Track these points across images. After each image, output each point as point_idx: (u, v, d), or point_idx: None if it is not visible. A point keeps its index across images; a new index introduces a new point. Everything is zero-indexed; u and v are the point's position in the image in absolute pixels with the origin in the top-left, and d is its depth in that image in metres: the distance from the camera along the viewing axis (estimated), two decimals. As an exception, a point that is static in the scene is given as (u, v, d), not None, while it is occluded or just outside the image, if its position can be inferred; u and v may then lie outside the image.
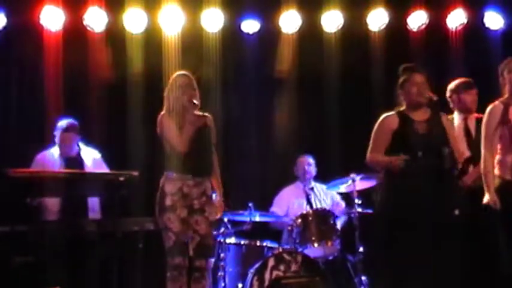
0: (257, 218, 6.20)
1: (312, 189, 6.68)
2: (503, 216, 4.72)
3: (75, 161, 5.84)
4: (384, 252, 4.71)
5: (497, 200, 4.69)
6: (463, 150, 5.11)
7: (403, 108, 4.81)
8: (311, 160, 6.80)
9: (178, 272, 4.93)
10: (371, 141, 4.83)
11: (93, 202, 5.75)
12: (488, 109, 4.92)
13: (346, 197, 6.57)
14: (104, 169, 5.87)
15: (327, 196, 6.76)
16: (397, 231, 4.58)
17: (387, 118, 4.79)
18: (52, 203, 5.52)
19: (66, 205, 5.54)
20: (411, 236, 4.54)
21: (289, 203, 6.73)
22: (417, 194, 4.58)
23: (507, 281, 4.76)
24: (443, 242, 4.53)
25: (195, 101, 5.02)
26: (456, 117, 5.48)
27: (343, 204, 6.72)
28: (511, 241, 4.70)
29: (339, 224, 6.36)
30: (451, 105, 5.52)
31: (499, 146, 4.84)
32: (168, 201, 4.99)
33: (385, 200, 4.74)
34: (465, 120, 5.43)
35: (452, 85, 5.49)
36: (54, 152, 5.86)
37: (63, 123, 5.88)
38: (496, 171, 4.87)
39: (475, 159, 5.11)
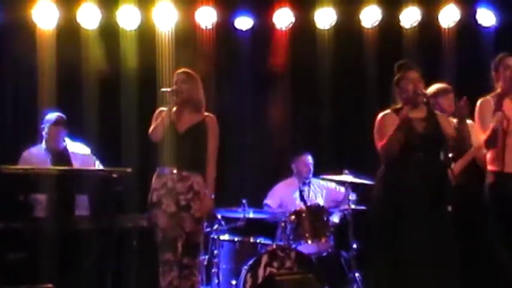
0: (251, 215, 6.21)
1: (308, 183, 6.69)
2: (498, 209, 4.75)
3: (62, 156, 5.78)
4: (378, 248, 4.73)
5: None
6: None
7: (399, 106, 4.79)
8: (311, 159, 6.81)
9: (169, 267, 4.96)
10: (376, 135, 4.78)
11: (81, 199, 5.73)
12: (478, 103, 4.93)
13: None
14: (92, 165, 5.85)
15: (321, 189, 6.76)
16: (391, 227, 4.59)
17: (386, 116, 4.77)
18: (45, 200, 5.51)
19: (59, 202, 5.52)
20: (405, 232, 4.55)
21: (283, 197, 6.74)
22: (412, 191, 4.59)
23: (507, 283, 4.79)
24: (437, 238, 4.55)
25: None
26: None
27: (342, 189, 6.67)
28: (508, 240, 4.72)
29: (337, 218, 6.37)
30: None
31: None
32: (154, 197, 5.04)
33: (380, 196, 4.74)
34: None
35: (430, 89, 5.48)
36: (41, 147, 5.82)
37: (51, 116, 5.81)
38: (489, 166, 4.90)
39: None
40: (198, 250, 5.17)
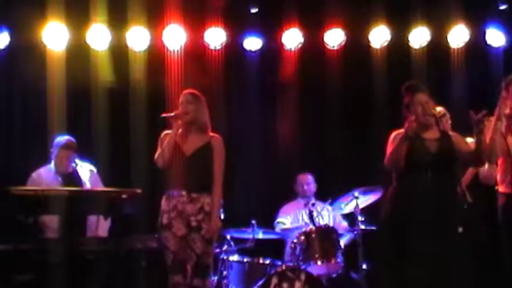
0: (260, 235, 6.19)
1: (313, 205, 6.66)
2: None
3: (72, 178, 5.80)
4: (388, 267, 4.70)
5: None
6: None
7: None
8: (310, 177, 6.80)
9: None
10: (388, 150, 4.76)
11: (95, 221, 5.73)
12: (492, 121, 4.90)
13: (349, 214, 6.55)
14: (100, 184, 5.86)
15: (328, 213, 6.74)
16: (400, 246, 4.57)
17: (399, 134, 4.74)
18: (54, 221, 5.50)
19: (68, 223, 5.51)
20: (415, 251, 4.52)
21: (291, 216, 6.72)
22: (422, 210, 4.56)
23: None
24: (447, 258, 4.52)
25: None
26: None
27: (345, 223, 6.69)
28: None
29: (344, 241, 6.34)
30: None
31: (499, 161, 4.85)
32: (164, 220, 5.02)
33: (388, 215, 4.72)
34: None
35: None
36: (50, 168, 5.83)
37: (61, 139, 5.83)
38: (500, 188, 4.89)
39: None
40: (208, 271, 5.14)
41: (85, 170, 5.89)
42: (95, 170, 5.95)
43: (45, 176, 5.77)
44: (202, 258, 5.01)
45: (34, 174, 5.79)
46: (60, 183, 5.73)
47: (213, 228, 5.05)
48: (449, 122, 5.45)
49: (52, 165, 5.82)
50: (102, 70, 6.76)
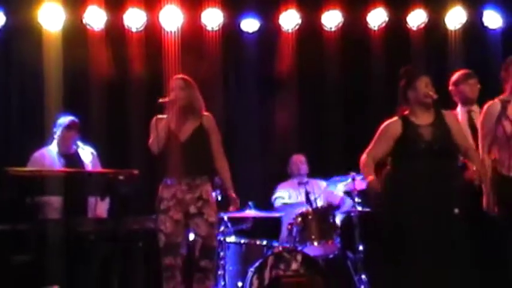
0: (257, 216, 6.20)
1: (307, 183, 6.66)
2: (502, 211, 4.73)
3: (74, 159, 5.79)
4: (385, 251, 4.72)
5: (493, 207, 4.70)
6: (470, 144, 5.02)
7: (406, 112, 4.75)
8: (303, 158, 6.82)
9: (171, 272, 4.95)
10: (372, 143, 4.78)
11: (93, 202, 5.74)
12: (485, 107, 4.90)
13: (346, 195, 6.57)
14: (99, 167, 5.86)
15: (321, 188, 6.74)
16: (398, 230, 4.58)
17: (391, 124, 4.73)
18: (52, 202, 5.51)
19: (66, 204, 5.52)
20: (412, 234, 4.54)
21: (290, 192, 6.75)
22: (418, 194, 4.57)
23: None
24: (444, 240, 4.53)
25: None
26: (460, 111, 5.41)
27: (341, 193, 6.63)
28: None
29: (338, 220, 6.35)
30: (455, 99, 5.49)
31: (496, 146, 4.84)
32: (163, 205, 5.00)
33: (387, 199, 4.73)
34: (468, 113, 5.38)
35: (452, 77, 5.47)
36: (53, 149, 5.81)
37: (64, 120, 5.82)
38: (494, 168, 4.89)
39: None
40: (214, 253, 5.17)
41: (87, 153, 5.89)
42: (95, 153, 5.94)
43: (48, 157, 5.75)
44: (207, 241, 5.02)
45: (36, 154, 5.76)
46: (62, 164, 5.72)
47: (236, 203, 5.10)
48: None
49: (55, 145, 5.82)
50: (98, 51, 6.73)
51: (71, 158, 5.78)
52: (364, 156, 4.78)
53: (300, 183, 6.66)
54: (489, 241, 4.91)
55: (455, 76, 5.47)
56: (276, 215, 6.52)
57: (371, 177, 4.66)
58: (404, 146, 4.67)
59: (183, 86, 5.10)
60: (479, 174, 4.73)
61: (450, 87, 5.49)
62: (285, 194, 6.76)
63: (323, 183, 6.72)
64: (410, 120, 4.70)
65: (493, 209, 4.75)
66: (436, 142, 4.63)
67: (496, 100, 4.87)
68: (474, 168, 4.72)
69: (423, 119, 4.71)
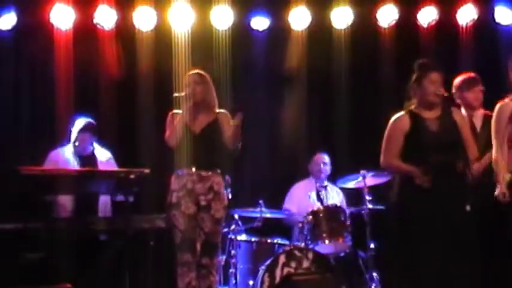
0: (267, 215, 6.21)
1: (325, 187, 6.64)
2: None
3: (90, 160, 5.88)
4: (397, 249, 4.71)
5: (506, 193, 4.66)
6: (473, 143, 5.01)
7: (413, 106, 4.76)
8: (327, 158, 6.80)
9: (188, 267, 5.02)
10: (384, 144, 4.78)
11: (104, 201, 5.77)
12: (497, 107, 4.87)
13: (356, 193, 6.56)
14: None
15: (338, 196, 6.75)
16: (410, 228, 4.58)
17: (398, 120, 4.75)
18: (64, 200, 5.54)
19: (77, 203, 5.56)
20: (424, 232, 4.54)
21: (300, 198, 6.72)
22: (430, 191, 4.56)
23: None
24: (456, 237, 4.52)
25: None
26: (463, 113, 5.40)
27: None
28: None
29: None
30: (457, 102, 5.46)
31: (508, 143, 4.82)
32: (173, 199, 5.05)
33: (398, 196, 4.73)
34: (470, 117, 5.35)
35: (456, 82, 5.40)
36: (68, 149, 5.88)
37: (81, 122, 5.90)
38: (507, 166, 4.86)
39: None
40: (216, 250, 5.20)
41: (103, 154, 5.93)
42: (110, 155, 5.99)
43: (62, 156, 5.85)
44: (210, 237, 5.05)
45: (53, 154, 5.87)
46: (78, 164, 5.81)
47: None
48: None
49: (71, 146, 5.87)
50: (109, 50, 6.74)
51: (87, 159, 5.85)
52: (383, 159, 4.75)
53: (318, 188, 6.50)
54: (501, 238, 4.89)
55: (459, 81, 5.36)
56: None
57: (411, 168, 4.62)
58: (414, 140, 4.67)
59: (198, 81, 5.17)
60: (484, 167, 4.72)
61: (453, 91, 5.37)
62: (294, 205, 6.69)
63: (340, 194, 6.72)
64: (417, 114, 4.71)
65: (504, 197, 4.69)
66: (444, 134, 4.63)
67: (507, 100, 4.86)
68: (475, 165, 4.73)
69: (430, 113, 4.72)
